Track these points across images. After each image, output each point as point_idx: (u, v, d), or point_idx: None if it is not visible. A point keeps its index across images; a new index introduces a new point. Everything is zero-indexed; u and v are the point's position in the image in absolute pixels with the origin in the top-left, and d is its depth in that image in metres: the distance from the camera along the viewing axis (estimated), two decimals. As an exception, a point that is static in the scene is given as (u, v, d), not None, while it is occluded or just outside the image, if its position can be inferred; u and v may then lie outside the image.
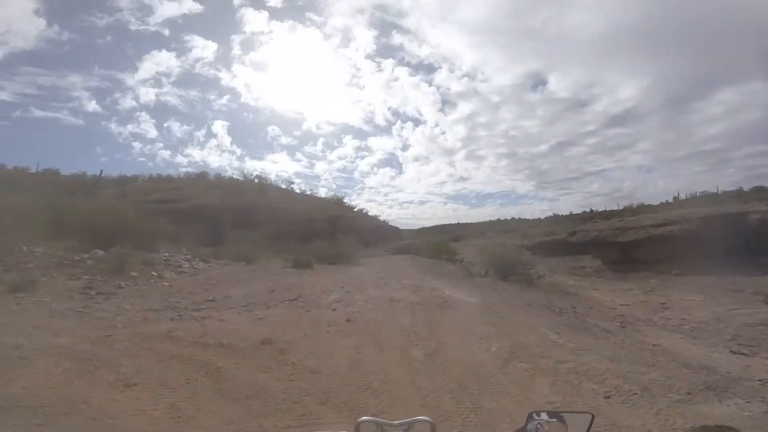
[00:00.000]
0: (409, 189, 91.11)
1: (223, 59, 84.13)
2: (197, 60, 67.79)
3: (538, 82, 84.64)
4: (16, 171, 33.38)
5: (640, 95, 74.25)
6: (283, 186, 38.72)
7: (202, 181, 38.68)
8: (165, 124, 65.52)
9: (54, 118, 52.23)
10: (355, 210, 40.48)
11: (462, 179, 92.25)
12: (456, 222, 69.83)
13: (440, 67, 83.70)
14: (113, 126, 58.61)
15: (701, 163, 65.36)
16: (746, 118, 61.34)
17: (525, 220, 64.46)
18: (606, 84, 76.72)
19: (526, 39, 73.50)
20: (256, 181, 38.39)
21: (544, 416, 1.02)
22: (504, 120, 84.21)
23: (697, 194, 32.49)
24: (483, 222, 69.86)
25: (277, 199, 35.94)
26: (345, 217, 36.73)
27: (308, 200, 38.23)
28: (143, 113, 63.86)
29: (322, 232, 31.36)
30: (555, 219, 55.83)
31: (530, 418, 1.04)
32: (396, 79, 78.45)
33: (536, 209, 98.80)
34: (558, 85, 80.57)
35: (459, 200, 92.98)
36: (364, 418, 1.04)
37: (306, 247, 22.26)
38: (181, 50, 69.99)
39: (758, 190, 29.19)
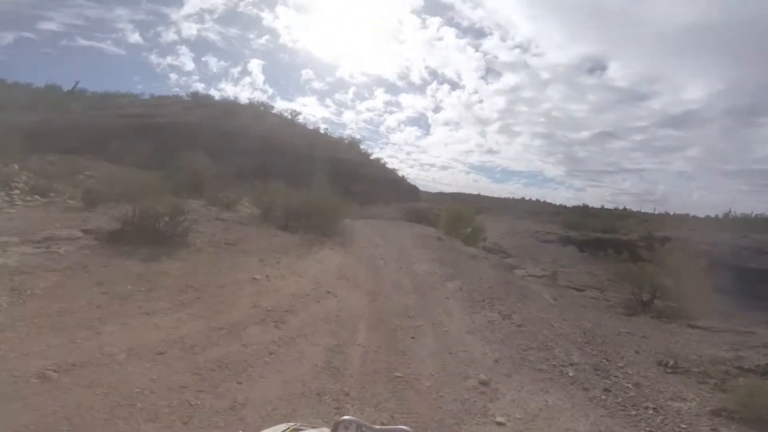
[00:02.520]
0: (434, 152, 77.96)
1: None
2: None
3: (596, 66, 69.57)
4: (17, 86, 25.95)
5: (706, 99, 60.44)
6: (288, 116, 27.49)
7: (195, 101, 27.86)
8: (203, 59, 57.93)
9: (98, 47, 45.45)
10: (371, 158, 29.25)
11: (490, 151, 78.45)
12: (477, 193, 58.41)
13: (491, 34, 68.66)
14: (153, 57, 51.11)
15: (748, 182, 52.71)
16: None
17: (550, 204, 54.65)
18: (671, 81, 63.61)
19: (593, 19, 58.54)
20: (261, 108, 27.25)
21: (352, 426, 0.81)
22: (549, 99, 69.63)
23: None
24: (506, 198, 59.61)
25: (275, 129, 25.06)
26: (354, 162, 25.71)
27: (315, 136, 27.09)
28: (183, 47, 55.96)
29: (324, 175, 21.01)
30: (585, 210, 45.15)
31: (338, 424, 0.82)
32: (440, 39, 64.12)
33: (561, 195, 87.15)
34: (618, 73, 65.47)
35: (483, 172, 79.87)
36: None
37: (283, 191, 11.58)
38: None
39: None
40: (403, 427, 0.88)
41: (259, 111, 24.92)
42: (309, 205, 9.98)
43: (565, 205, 52.01)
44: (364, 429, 0.89)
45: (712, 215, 30.35)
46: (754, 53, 50.90)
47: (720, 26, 48.68)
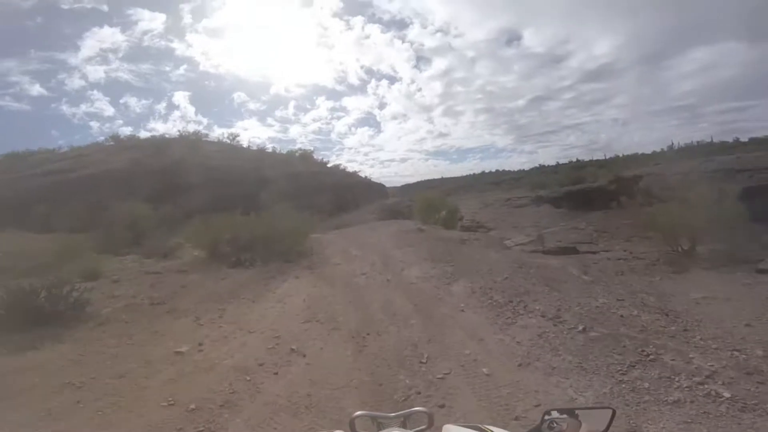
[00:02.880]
0: (390, 147, 77.36)
1: (174, 29, 66.28)
2: (145, 33, 51.46)
3: (513, 37, 73.42)
4: None
5: (616, 52, 64.24)
6: (227, 141, 25.03)
7: (119, 144, 24.60)
8: (121, 101, 51.99)
9: None
10: (328, 165, 27.31)
11: (441, 135, 79.05)
12: (439, 177, 58.51)
13: (412, 23, 68.86)
14: (64, 108, 45.44)
15: (676, 118, 58.27)
16: (719, 75, 54.63)
17: (509, 171, 56.05)
18: (581, 40, 67.15)
19: None
20: (194, 137, 24.49)
21: (557, 414, 0.76)
22: (480, 75, 72.51)
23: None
24: (467, 176, 60.72)
25: (216, 156, 22.62)
26: (312, 173, 23.76)
27: (261, 156, 24.84)
28: (95, 92, 50.58)
29: (281, 194, 19.11)
30: (542, 169, 46.07)
31: (545, 416, 0.77)
32: (367, 37, 63.36)
33: (516, 162, 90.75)
34: (533, 40, 69.05)
35: (440, 156, 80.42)
36: (358, 412, 0.86)
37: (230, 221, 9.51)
38: (126, 24, 53.70)
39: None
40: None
41: (191, 141, 22.29)
42: (263, 231, 8.09)
43: (524, 169, 53.66)
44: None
45: (658, 150, 31.78)
46: (645, 6, 55.94)
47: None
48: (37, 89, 42.01)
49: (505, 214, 23.54)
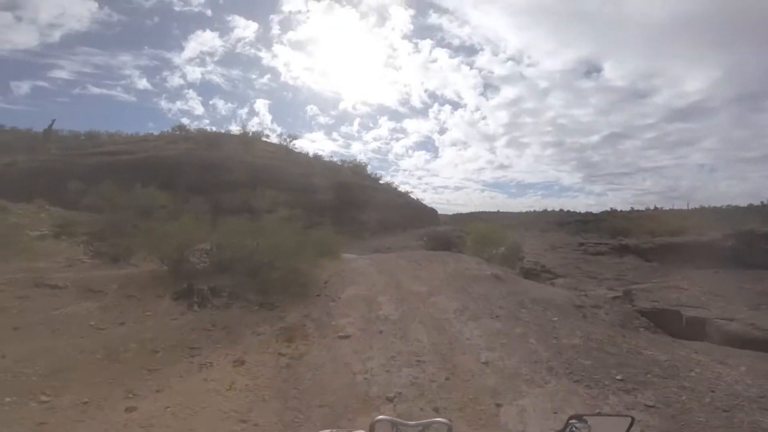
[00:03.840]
0: (445, 174, 72.78)
1: (263, 39, 70.51)
2: (239, 40, 54.59)
3: (591, 68, 65.17)
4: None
5: (709, 89, 54.68)
6: (282, 144, 23.28)
7: (183, 134, 23.97)
8: (210, 102, 56.51)
9: (108, 95, 45.65)
10: (379, 181, 24.46)
11: (502, 167, 72.73)
12: (495, 210, 52.95)
13: (482, 50, 64.91)
14: (163, 103, 50.05)
15: None
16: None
17: (575, 213, 48.76)
18: (669, 75, 59.08)
19: (577, 22, 55.38)
20: (250, 135, 23.05)
21: (578, 420, 0.80)
22: (552, 107, 65.47)
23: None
24: (526, 212, 54.18)
25: (266, 157, 20.85)
26: (361, 187, 21.00)
27: (312, 163, 22.69)
28: (190, 90, 54.11)
29: (326, 206, 16.66)
30: (613, 214, 39.01)
31: (569, 420, 0.82)
32: (434, 61, 61.00)
33: (582, 203, 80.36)
34: (614, 72, 61.49)
35: (497, 188, 73.53)
36: (379, 417, 0.83)
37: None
38: (224, 30, 57.85)
39: None
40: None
41: (247, 139, 20.65)
42: (247, 249, 5.05)
43: (592, 212, 46.16)
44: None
45: (756, 203, 25.00)
46: (747, 39, 46.69)
47: (705, 15, 44.96)
48: (143, 83, 45.89)
49: (577, 260, 18.81)
